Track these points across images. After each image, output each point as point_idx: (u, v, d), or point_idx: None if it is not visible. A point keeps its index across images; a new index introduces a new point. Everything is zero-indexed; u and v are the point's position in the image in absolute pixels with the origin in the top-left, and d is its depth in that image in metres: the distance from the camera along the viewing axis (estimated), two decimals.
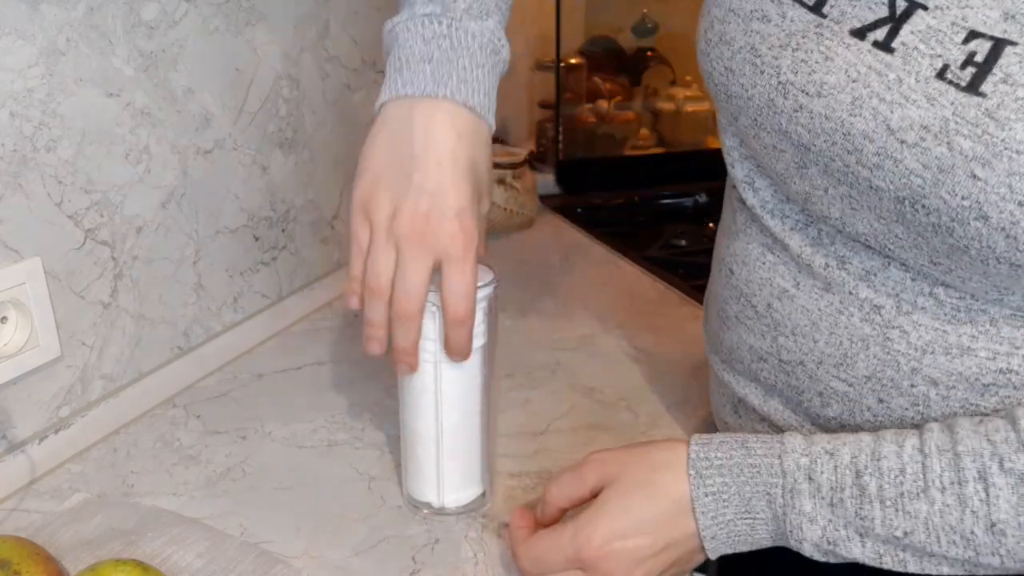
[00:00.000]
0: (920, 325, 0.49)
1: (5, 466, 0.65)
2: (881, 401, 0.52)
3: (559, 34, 1.37)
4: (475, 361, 0.60)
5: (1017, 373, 0.48)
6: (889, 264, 0.50)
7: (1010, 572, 0.46)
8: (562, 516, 0.56)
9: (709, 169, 0.61)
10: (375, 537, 0.61)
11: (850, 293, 0.52)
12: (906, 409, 0.52)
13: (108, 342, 0.73)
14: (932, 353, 0.49)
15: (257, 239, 0.89)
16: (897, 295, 0.50)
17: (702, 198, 1.38)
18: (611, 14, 1.49)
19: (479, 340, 0.59)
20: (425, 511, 0.64)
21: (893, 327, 0.50)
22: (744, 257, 0.59)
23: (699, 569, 0.64)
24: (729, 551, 0.52)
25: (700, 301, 0.76)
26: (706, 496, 0.50)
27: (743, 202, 0.59)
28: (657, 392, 0.82)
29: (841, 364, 0.53)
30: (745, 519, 0.50)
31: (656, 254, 1.20)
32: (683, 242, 1.25)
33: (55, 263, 0.67)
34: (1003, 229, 0.42)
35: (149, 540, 0.59)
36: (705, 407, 0.77)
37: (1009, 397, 0.49)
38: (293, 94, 0.90)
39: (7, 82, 0.61)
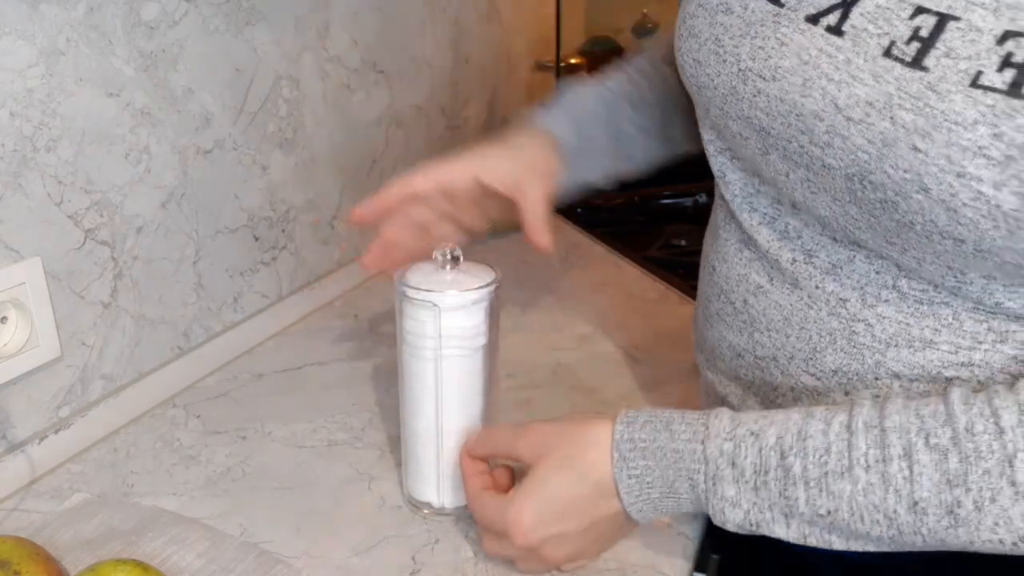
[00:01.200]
0: (884, 318, 0.50)
1: (5, 466, 0.65)
2: (847, 394, 0.53)
3: (559, 34, 1.37)
4: (476, 361, 0.60)
5: (979, 366, 0.48)
6: (854, 257, 0.51)
7: (931, 550, 0.46)
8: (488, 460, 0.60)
9: (709, 169, 0.62)
10: (375, 537, 0.61)
11: (817, 287, 0.52)
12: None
13: (108, 342, 0.73)
14: (896, 346, 0.50)
15: (257, 239, 0.89)
16: (862, 288, 0.51)
17: (702, 198, 1.38)
18: (611, 14, 1.49)
19: (480, 340, 0.59)
20: (425, 511, 0.64)
21: (858, 320, 0.51)
22: (724, 254, 0.60)
23: (699, 569, 0.64)
24: (660, 516, 0.54)
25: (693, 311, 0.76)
26: (630, 479, 0.51)
27: (722, 197, 0.60)
28: (657, 392, 0.82)
29: (810, 359, 0.54)
30: (670, 498, 0.51)
31: (656, 254, 1.20)
32: (683, 242, 1.25)
33: (55, 263, 0.67)
34: (943, 201, 0.42)
35: (149, 540, 0.59)
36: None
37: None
38: (293, 94, 0.90)
39: (7, 82, 0.61)
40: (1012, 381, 0.45)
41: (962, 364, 0.48)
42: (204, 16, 0.77)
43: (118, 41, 0.69)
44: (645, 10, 1.50)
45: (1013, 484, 0.42)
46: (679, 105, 0.72)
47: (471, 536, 0.61)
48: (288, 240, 0.94)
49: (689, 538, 0.62)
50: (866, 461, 0.45)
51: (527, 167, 0.65)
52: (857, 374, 0.52)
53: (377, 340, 0.92)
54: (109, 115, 0.69)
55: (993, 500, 0.42)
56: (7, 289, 0.63)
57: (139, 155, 0.73)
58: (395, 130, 1.11)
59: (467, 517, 0.63)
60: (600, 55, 1.50)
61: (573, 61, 1.46)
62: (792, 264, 0.53)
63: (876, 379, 0.51)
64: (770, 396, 0.58)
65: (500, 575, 0.58)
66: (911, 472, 0.44)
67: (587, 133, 0.70)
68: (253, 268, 0.89)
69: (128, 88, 0.71)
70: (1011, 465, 0.42)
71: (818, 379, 0.54)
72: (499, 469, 0.60)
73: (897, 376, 0.51)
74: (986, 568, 0.50)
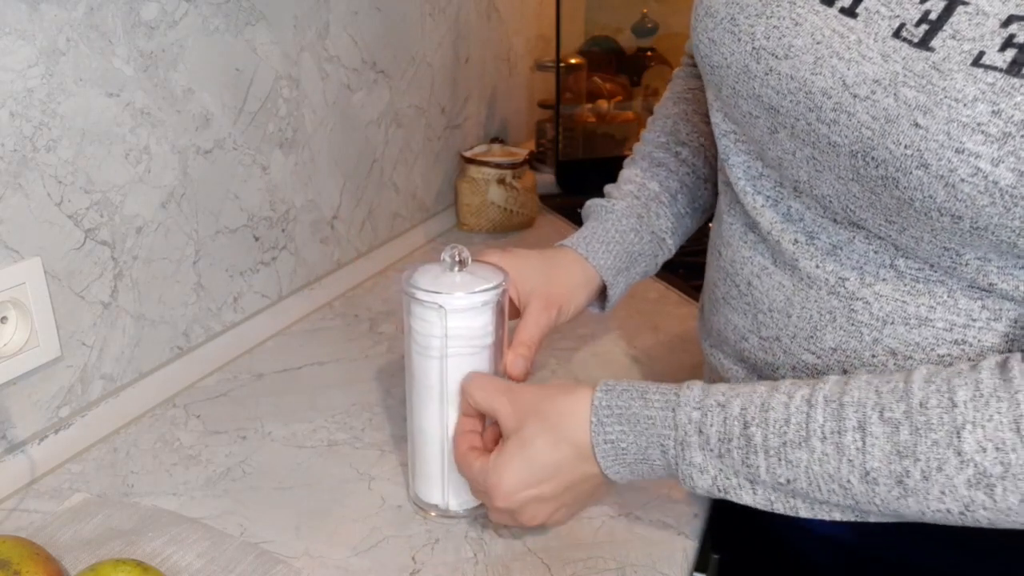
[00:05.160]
0: (881, 296, 0.51)
1: (5, 466, 0.65)
2: (845, 372, 0.54)
3: (559, 34, 1.37)
4: (482, 360, 0.60)
5: (971, 344, 0.49)
6: (854, 238, 0.52)
7: (890, 521, 0.48)
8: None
9: None
10: (375, 537, 0.62)
11: (817, 267, 0.54)
12: None
13: (108, 342, 0.73)
14: (892, 324, 0.51)
15: (257, 239, 0.89)
16: (861, 267, 0.52)
17: None
18: (611, 14, 1.49)
19: (487, 340, 0.59)
20: (433, 512, 0.63)
21: (857, 299, 0.52)
22: (729, 238, 0.61)
23: (699, 569, 0.64)
24: (635, 479, 0.56)
25: (699, 300, 0.77)
26: (605, 443, 0.53)
27: (726, 183, 0.61)
28: None
29: (811, 337, 0.55)
30: (643, 463, 0.53)
31: None
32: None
33: (55, 263, 0.67)
34: (942, 177, 0.43)
35: (149, 540, 0.59)
36: None
37: None
38: (293, 94, 0.90)
39: (7, 82, 0.61)
40: (976, 362, 0.46)
41: (956, 342, 0.50)
42: (204, 16, 0.77)
43: (118, 41, 0.69)
44: (645, 10, 1.50)
45: (959, 454, 0.43)
46: (701, 175, 0.74)
47: (471, 536, 0.62)
48: (288, 240, 0.94)
49: (689, 538, 0.62)
50: (822, 432, 0.47)
51: (544, 290, 0.66)
52: (855, 351, 0.53)
53: (377, 340, 0.92)
54: (109, 115, 0.69)
55: (940, 469, 0.44)
56: (7, 289, 0.63)
57: (139, 155, 0.73)
58: (395, 130, 1.11)
59: (472, 519, 0.63)
60: (600, 55, 1.50)
61: (573, 61, 1.46)
62: (794, 245, 0.55)
63: (873, 356, 0.53)
64: (772, 377, 0.59)
65: (500, 575, 0.58)
66: (864, 443, 0.46)
67: (626, 251, 0.71)
68: (253, 268, 0.89)
69: (128, 88, 0.71)
70: (959, 436, 0.43)
71: (818, 357, 0.55)
72: (491, 428, 0.60)
73: (893, 353, 0.52)
74: (981, 550, 0.51)
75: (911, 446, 0.44)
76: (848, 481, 0.46)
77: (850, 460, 0.46)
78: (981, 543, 0.50)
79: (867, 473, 0.46)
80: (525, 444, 0.55)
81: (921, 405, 0.45)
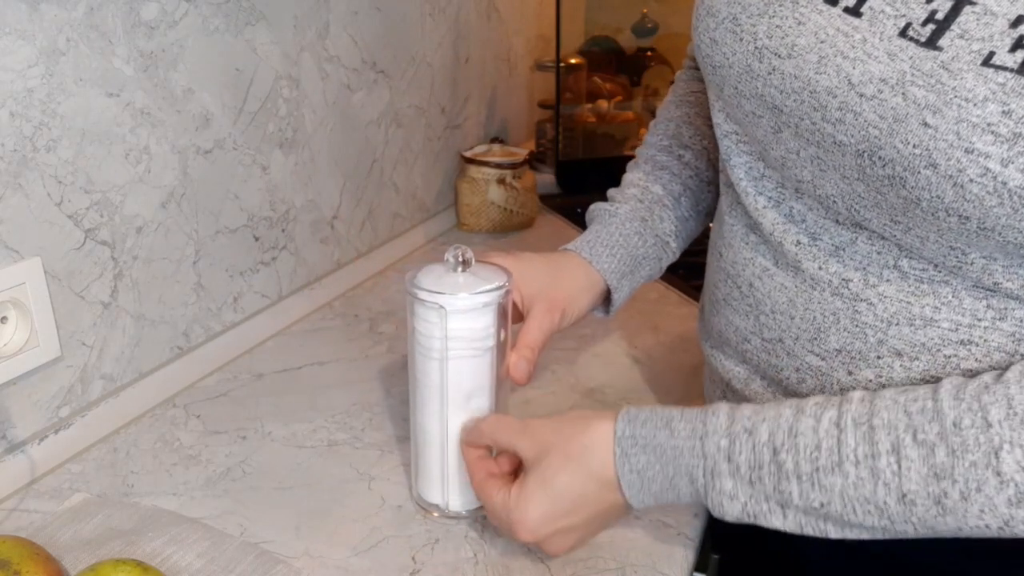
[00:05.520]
0: (886, 297, 0.51)
1: (5, 466, 0.65)
2: (850, 374, 0.54)
3: (559, 34, 1.37)
4: (484, 363, 0.60)
5: (977, 345, 0.49)
6: (856, 239, 0.52)
7: (924, 537, 0.48)
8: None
9: None
10: (375, 537, 0.61)
11: (820, 268, 0.53)
12: (870, 380, 0.53)
13: (108, 342, 0.73)
14: (897, 324, 0.51)
15: (257, 239, 0.89)
16: (864, 268, 0.52)
17: None
18: (611, 14, 1.49)
19: (489, 341, 0.59)
20: (436, 513, 0.63)
21: (861, 300, 0.52)
22: (730, 239, 0.61)
23: (699, 569, 0.64)
24: (659, 504, 0.55)
25: (699, 300, 0.77)
26: (631, 473, 0.53)
27: (728, 184, 0.61)
28: (657, 392, 0.82)
29: (815, 339, 0.55)
30: (670, 492, 0.53)
31: None
32: None
33: (55, 263, 0.67)
34: (950, 177, 0.43)
35: (149, 540, 0.59)
36: None
37: (971, 370, 0.50)
38: (293, 94, 0.90)
39: (7, 82, 0.61)
40: (1000, 372, 0.46)
41: (961, 342, 0.50)
42: (204, 16, 0.77)
43: (118, 41, 0.69)
44: (645, 10, 1.50)
45: (999, 474, 0.43)
46: (704, 178, 0.74)
47: (471, 536, 0.62)
48: (288, 240, 0.94)
49: (689, 538, 0.62)
50: (855, 457, 0.47)
51: (548, 293, 0.66)
52: (860, 353, 0.53)
53: (377, 340, 0.92)
54: (109, 115, 0.69)
55: (979, 490, 0.44)
56: (7, 289, 0.63)
57: (139, 155, 0.73)
58: (395, 130, 1.11)
59: (472, 519, 0.63)
60: (600, 55, 1.50)
61: (573, 61, 1.46)
62: (796, 246, 0.54)
63: (878, 358, 0.52)
64: (775, 377, 0.59)
65: (500, 575, 0.58)
66: (899, 467, 0.45)
67: (630, 255, 0.71)
68: (253, 268, 0.89)
69: (128, 88, 0.71)
70: (997, 456, 0.43)
71: (823, 359, 0.55)
72: (502, 456, 0.60)
73: (899, 354, 0.52)
74: (978, 551, 0.51)
75: (948, 468, 0.44)
76: (884, 503, 0.46)
77: (886, 483, 0.46)
78: (983, 542, 0.50)
79: (904, 495, 0.45)
80: (547, 478, 0.54)
81: (955, 425, 0.44)
